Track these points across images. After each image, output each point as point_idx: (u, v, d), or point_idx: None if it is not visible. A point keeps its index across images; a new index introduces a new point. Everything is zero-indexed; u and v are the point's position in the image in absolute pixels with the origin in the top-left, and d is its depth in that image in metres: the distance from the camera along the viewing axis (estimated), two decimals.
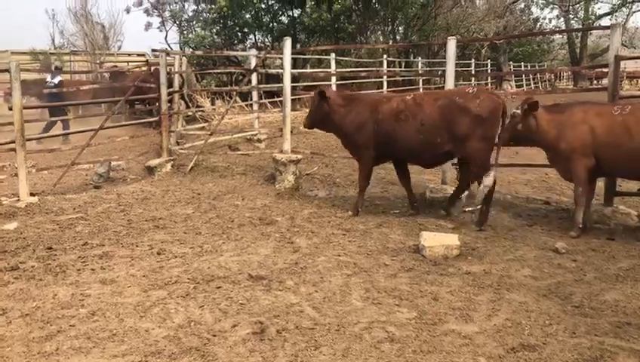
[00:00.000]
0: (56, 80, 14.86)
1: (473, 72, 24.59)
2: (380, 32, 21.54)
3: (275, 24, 20.50)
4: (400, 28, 23.26)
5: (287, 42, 8.04)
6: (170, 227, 6.31)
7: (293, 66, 20.91)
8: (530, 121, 6.06)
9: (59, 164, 10.00)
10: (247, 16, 19.30)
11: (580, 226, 5.94)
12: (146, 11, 22.58)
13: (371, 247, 5.52)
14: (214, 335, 3.68)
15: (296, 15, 20.13)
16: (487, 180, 6.10)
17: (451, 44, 7.14)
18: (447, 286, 4.56)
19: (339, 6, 18.08)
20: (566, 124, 5.87)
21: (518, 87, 31.81)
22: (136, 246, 5.60)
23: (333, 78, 14.55)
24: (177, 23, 21.70)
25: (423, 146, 6.33)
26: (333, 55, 15.29)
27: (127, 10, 25.29)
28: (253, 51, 15.07)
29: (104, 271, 4.88)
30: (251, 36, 20.97)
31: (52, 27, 38.54)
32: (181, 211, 7.03)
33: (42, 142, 10.91)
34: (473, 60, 27.98)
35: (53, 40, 34.64)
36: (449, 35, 25.09)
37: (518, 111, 6.09)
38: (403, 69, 21.65)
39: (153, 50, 16.93)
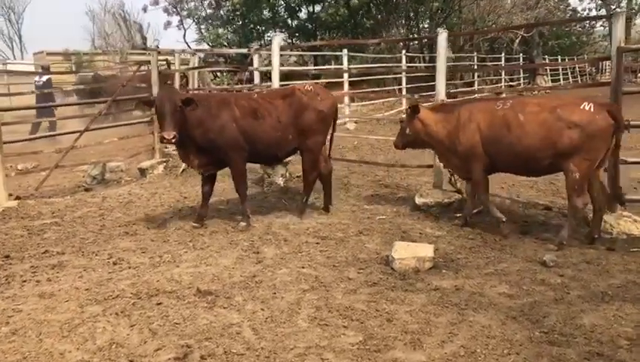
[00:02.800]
0: (44, 78, 14.92)
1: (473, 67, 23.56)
2: (400, 27, 20.86)
3: (292, 21, 20.18)
4: (422, 22, 22.56)
5: (276, 39, 7.71)
6: (140, 234, 6.05)
7: (314, 64, 20.80)
8: (417, 125, 6.04)
9: (66, 164, 10.00)
10: (263, 13, 19.02)
11: (504, 220, 5.77)
12: (166, 10, 22.62)
13: (341, 258, 5.13)
14: (131, 361, 3.36)
15: (313, 11, 19.70)
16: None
17: (442, 38, 6.64)
18: (409, 304, 4.14)
19: (357, 1, 17.60)
20: (455, 123, 5.77)
21: (553, 81, 30.64)
22: (96, 255, 5.35)
23: (345, 75, 14.10)
24: (195, 21, 21.60)
25: None
26: (345, 51, 14.84)
27: (145, 9, 25.36)
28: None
29: (49, 282, 4.64)
30: (269, 33, 20.66)
31: (92, 28, 39.58)
32: (160, 216, 6.77)
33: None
34: (503, 55, 27.01)
35: (93, 40, 35.21)
36: (475, 28, 24.39)
37: (404, 117, 6.00)
38: (424, 64, 20.97)
39: (143, 49, 16.81)
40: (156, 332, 3.72)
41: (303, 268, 4.90)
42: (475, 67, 21.58)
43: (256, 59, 11.85)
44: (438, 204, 6.56)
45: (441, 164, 6.60)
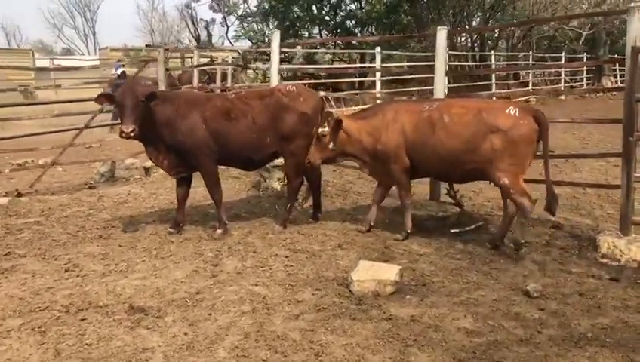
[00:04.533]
0: (119, 71, 15.14)
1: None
2: (446, 25, 19.95)
3: (328, 17, 19.72)
4: (472, 19, 21.54)
5: (276, 35, 7.33)
6: (113, 238, 5.83)
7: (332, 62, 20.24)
8: (342, 138, 5.57)
9: (85, 160, 10.06)
10: (297, 9, 18.67)
11: (409, 231, 5.62)
12: (211, 7, 22.71)
13: (302, 276, 4.71)
14: None
15: (351, 8, 19.19)
16: None
17: (441, 35, 6.07)
18: (350, 336, 3.68)
19: None
20: (379, 125, 5.48)
21: (623, 82, 28.67)
22: (56, 259, 5.16)
23: (378, 74, 13.52)
24: (237, 17, 21.54)
25: None
26: (378, 49, 14.25)
27: (188, 5, 25.55)
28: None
29: None
30: (305, 30, 20.29)
31: (161, 24, 40.97)
32: (143, 219, 6.54)
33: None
34: (564, 54, 25.51)
35: (151, 35, 36.05)
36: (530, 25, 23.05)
37: (325, 130, 5.47)
38: (472, 63, 20.03)
39: (147, 46, 16.79)
40: (60, 354, 3.44)
41: (256, 285, 4.51)
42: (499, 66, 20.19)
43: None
44: (432, 217, 6.00)
45: None
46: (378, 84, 14.53)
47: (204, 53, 14.42)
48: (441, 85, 6.14)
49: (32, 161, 10.50)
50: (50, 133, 9.72)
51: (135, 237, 5.82)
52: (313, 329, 3.75)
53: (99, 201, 7.48)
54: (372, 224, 5.93)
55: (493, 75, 18.86)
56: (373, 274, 4.37)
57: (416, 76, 16.40)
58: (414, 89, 16.16)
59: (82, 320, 3.88)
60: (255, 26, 20.18)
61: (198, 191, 7.96)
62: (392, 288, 4.32)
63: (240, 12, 21.33)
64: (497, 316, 3.98)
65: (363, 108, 6.10)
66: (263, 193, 7.51)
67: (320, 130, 5.42)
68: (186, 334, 3.70)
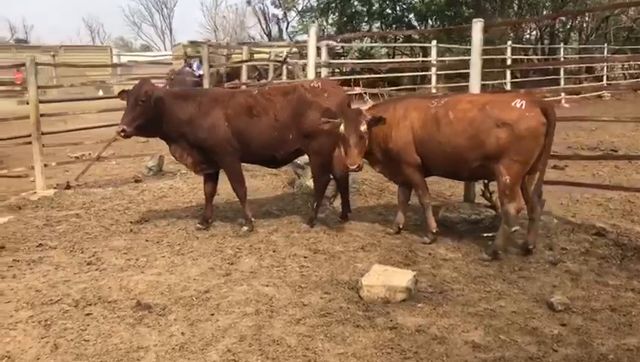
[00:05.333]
0: (201, 71, 15.35)
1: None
2: (512, 16, 19.03)
3: (388, 11, 19.30)
4: (541, 10, 20.46)
5: (312, 29, 7.20)
6: (143, 232, 5.92)
7: (392, 56, 19.76)
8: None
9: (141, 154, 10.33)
10: (356, 3, 18.38)
11: (434, 231, 5.39)
12: (273, 3, 22.82)
13: (316, 278, 4.58)
14: None
15: (411, 0, 18.69)
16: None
17: (476, 28, 5.73)
18: (348, 344, 3.53)
19: None
20: (390, 124, 5.24)
21: None
22: (82, 252, 5.29)
23: (433, 69, 13.13)
24: (298, 13, 21.56)
25: None
26: (434, 42, 13.81)
27: (249, 2, 25.78)
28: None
29: (12, 279, 4.62)
30: (364, 24, 19.97)
31: (234, 21, 42.07)
32: (177, 214, 6.62)
33: None
34: None
35: (214, 32, 36.92)
36: (605, 17, 21.63)
37: (365, 129, 5.11)
38: (540, 57, 19.08)
39: (191, 42, 16.88)
40: (57, 348, 3.49)
41: (266, 286, 4.43)
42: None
43: (324, 51, 11.32)
44: (464, 220, 5.70)
45: None
46: (434, 79, 14.11)
47: (255, 49, 14.54)
48: (476, 81, 5.81)
49: (90, 153, 10.91)
50: (107, 126, 10.07)
51: (163, 232, 5.88)
52: (312, 336, 3.63)
53: (140, 195, 7.65)
54: (401, 226, 5.73)
55: (562, 69, 17.88)
56: (384, 279, 4.18)
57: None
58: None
59: (87, 315, 3.94)
60: (314, 20, 20.10)
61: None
62: (403, 295, 4.12)
63: (300, 7, 21.40)
64: (512, 330, 3.70)
65: (374, 105, 5.87)
66: (297, 190, 7.42)
67: (362, 128, 5.09)
68: (183, 334, 3.67)
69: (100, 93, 18.17)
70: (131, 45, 60.80)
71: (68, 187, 8.13)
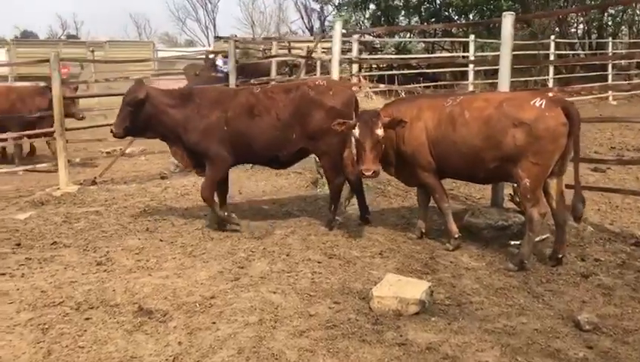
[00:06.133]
0: (227, 68, 15.35)
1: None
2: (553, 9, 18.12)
3: (426, 4, 18.77)
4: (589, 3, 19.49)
5: (338, 24, 6.96)
6: (159, 231, 5.82)
7: (431, 51, 19.17)
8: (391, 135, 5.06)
9: None
10: None
11: (456, 237, 5.11)
12: None
13: (326, 286, 4.36)
14: None
15: None
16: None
17: (507, 22, 5.37)
18: (351, 361, 3.30)
19: None
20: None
21: None
22: (95, 251, 5.22)
23: (471, 65, 12.67)
24: (334, 7, 21.24)
25: None
26: (472, 37, 13.32)
27: None
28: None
29: (20, 278, 4.57)
30: (400, 18, 19.49)
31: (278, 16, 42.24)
32: (197, 213, 6.51)
33: None
34: None
35: (251, 27, 37.00)
36: None
37: (381, 133, 4.83)
38: (586, 52, 18.24)
39: (217, 38, 16.68)
40: (50, 354, 3.39)
41: (274, 292, 4.24)
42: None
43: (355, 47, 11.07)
44: (490, 226, 5.38)
45: None
46: (471, 75, 13.64)
47: (284, 44, 14.35)
48: (506, 77, 5.46)
49: (120, 149, 10.96)
50: None
51: (179, 232, 5.77)
52: (313, 350, 3.42)
53: (162, 192, 7.59)
54: (424, 231, 5.46)
55: (610, 65, 17.05)
56: (396, 290, 3.93)
57: (518, 66, 15.15)
58: (514, 79, 15.00)
59: (87, 319, 3.83)
60: (350, 15, 19.79)
61: (260, 185, 7.90)
62: (416, 307, 3.86)
63: (337, 1, 21.07)
64: (531, 351, 3.41)
65: (386, 104, 5.63)
66: (321, 190, 7.21)
67: (378, 131, 4.80)
68: (180, 344, 3.51)
69: None
70: (176, 40, 61.59)
71: (93, 183, 8.14)
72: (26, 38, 44.11)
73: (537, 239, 5.17)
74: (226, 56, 14.52)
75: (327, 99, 5.43)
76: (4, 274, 4.67)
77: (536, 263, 4.83)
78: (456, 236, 5.12)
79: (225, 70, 14.56)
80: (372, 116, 4.96)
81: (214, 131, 5.53)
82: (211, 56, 14.53)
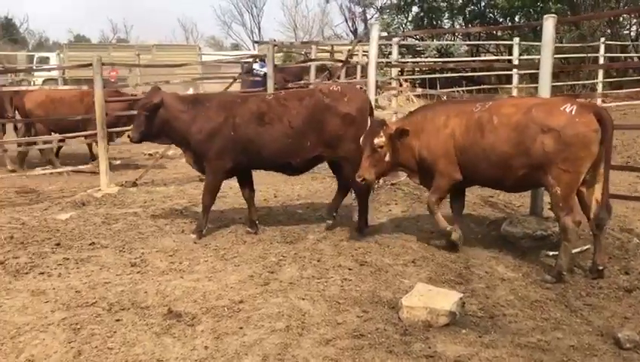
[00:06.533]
0: (264, 70, 15.48)
1: None
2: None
3: (471, 6, 18.40)
4: None
5: (375, 27, 6.89)
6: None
7: (475, 54, 18.75)
8: (396, 147, 5.05)
9: None
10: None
11: (448, 229, 5.13)
12: (352, 0, 22.53)
13: (356, 294, 4.31)
14: None
15: None
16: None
17: (548, 25, 5.18)
18: None
19: None
20: (429, 131, 5.00)
21: None
22: (130, 253, 5.31)
23: (515, 70, 12.35)
24: (377, 10, 21.10)
25: None
26: (516, 40, 12.99)
27: (327, 0, 25.56)
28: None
29: (57, 278, 4.68)
30: (444, 21, 19.18)
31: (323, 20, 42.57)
32: (231, 215, 6.56)
33: None
34: None
35: (294, 30, 37.28)
36: None
37: (382, 141, 4.93)
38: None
39: (255, 42, 16.65)
40: (80, 355, 3.46)
41: (302, 299, 4.22)
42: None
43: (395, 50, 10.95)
44: (529, 236, 5.21)
45: None
46: (515, 78, 13.30)
47: (323, 48, 14.33)
48: (546, 82, 5.27)
49: (161, 151, 11.17)
50: None
51: (213, 235, 5.82)
52: (338, 360, 3.38)
53: (200, 194, 7.64)
54: (458, 239, 5.33)
55: None
56: (426, 300, 3.84)
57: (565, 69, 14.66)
58: (562, 83, 14.59)
59: (117, 320, 3.89)
60: (392, 17, 19.63)
61: (295, 189, 7.89)
62: (446, 319, 3.76)
63: (379, 4, 20.96)
64: None
65: (410, 112, 5.58)
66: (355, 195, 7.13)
67: (376, 140, 4.92)
68: (206, 348, 3.52)
69: (191, 90, 18.72)
70: (222, 44, 62.54)
71: (134, 184, 8.30)
72: (79, 42, 45.74)
73: (577, 250, 5.00)
74: (262, 60, 14.68)
75: (341, 105, 5.44)
76: (42, 273, 4.80)
77: (576, 276, 4.65)
78: (449, 228, 5.12)
79: (261, 73, 14.67)
80: (376, 125, 5.06)
81: (219, 137, 5.58)
82: (250, 60, 14.66)
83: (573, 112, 4.34)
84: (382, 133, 4.94)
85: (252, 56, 16.04)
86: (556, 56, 15.08)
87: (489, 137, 4.66)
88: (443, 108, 5.23)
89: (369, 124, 5.16)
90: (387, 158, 5.03)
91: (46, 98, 9.68)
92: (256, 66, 16.18)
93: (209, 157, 5.67)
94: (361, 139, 5.04)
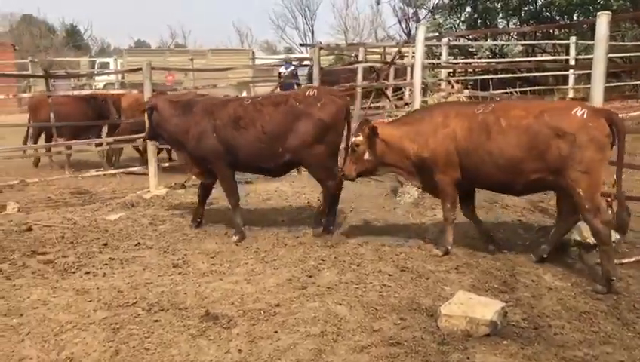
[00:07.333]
0: (290, 69, 15.66)
1: None
2: None
3: (526, 6, 17.80)
4: None
5: (421, 29, 6.76)
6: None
7: (531, 54, 18.04)
8: (380, 147, 5.09)
9: None
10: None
11: (448, 248, 5.10)
12: (404, 1, 22.25)
13: (394, 300, 4.22)
14: None
15: None
16: None
17: (601, 22, 4.92)
18: None
19: None
20: (426, 133, 4.95)
21: None
22: (174, 254, 5.40)
23: (571, 70, 11.88)
24: (429, 11, 20.75)
25: None
26: (573, 39, 12.47)
27: (378, 1, 25.39)
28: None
29: (102, 278, 4.80)
30: (498, 21, 18.62)
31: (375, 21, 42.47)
32: (275, 217, 6.59)
33: None
34: None
35: (344, 33, 37.26)
36: None
37: (359, 139, 5.09)
38: None
39: (302, 45, 16.52)
40: (118, 354, 3.52)
41: (339, 304, 4.16)
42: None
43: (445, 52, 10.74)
44: (578, 243, 4.97)
45: None
46: (571, 79, 12.79)
47: (373, 50, 14.18)
48: (599, 82, 5.01)
49: None
50: None
51: (255, 237, 5.85)
52: None
53: (245, 197, 7.70)
54: (498, 245, 5.18)
55: None
56: (466, 309, 3.72)
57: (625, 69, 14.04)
58: (623, 83, 13.95)
59: (156, 321, 3.94)
60: (444, 18, 19.26)
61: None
62: (487, 329, 3.62)
63: (431, 5, 20.63)
64: None
65: (408, 113, 5.52)
66: (400, 199, 7.03)
67: (353, 139, 5.11)
68: (240, 351, 3.52)
69: (244, 93, 19.02)
70: (275, 48, 63.19)
71: (182, 186, 8.45)
72: (139, 47, 47.31)
73: (633, 259, 4.76)
74: (288, 63, 14.84)
75: (314, 110, 5.47)
76: (88, 272, 4.93)
77: (631, 286, 4.40)
78: (450, 246, 5.10)
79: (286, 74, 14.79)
80: (360, 125, 5.20)
81: (204, 139, 5.76)
82: (295, 63, 14.80)
83: (585, 116, 4.29)
84: (359, 133, 5.08)
85: (286, 59, 16.21)
86: (618, 55, 14.56)
87: (497, 140, 4.59)
88: (440, 109, 5.20)
89: (358, 125, 5.30)
90: (366, 157, 5.15)
91: (134, 101, 10.25)
92: (281, 69, 16.37)
93: (208, 160, 5.89)
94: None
